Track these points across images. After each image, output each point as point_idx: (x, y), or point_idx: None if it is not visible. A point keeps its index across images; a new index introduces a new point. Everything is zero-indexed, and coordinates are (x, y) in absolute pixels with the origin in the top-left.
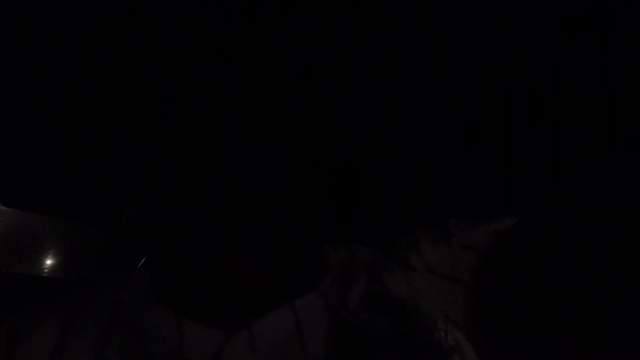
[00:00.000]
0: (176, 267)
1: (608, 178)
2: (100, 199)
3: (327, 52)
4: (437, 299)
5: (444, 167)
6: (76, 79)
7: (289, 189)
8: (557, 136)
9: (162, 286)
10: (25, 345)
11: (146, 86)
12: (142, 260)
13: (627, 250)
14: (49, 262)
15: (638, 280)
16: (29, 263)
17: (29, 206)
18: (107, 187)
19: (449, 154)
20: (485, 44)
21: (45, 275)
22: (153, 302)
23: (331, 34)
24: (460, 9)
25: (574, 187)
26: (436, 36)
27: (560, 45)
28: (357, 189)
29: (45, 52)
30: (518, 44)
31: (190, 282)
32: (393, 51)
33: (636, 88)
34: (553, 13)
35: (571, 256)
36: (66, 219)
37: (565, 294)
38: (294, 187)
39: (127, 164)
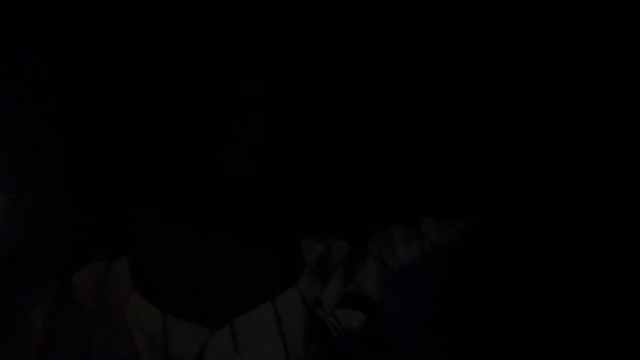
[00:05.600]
0: (159, 263)
1: (577, 182)
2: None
3: (314, 53)
4: (409, 297)
5: (418, 166)
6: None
7: (271, 186)
8: (533, 140)
9: (146, 280)
10: (13, 337)
11: (130, 83)
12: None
13: (592, 250)
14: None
15: (603, 278)
16: None
17: None
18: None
19: (424, 153)
20: (466, 45)
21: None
22: (137, 296)
23: (319, 34)
24: (451, 8)
25: (543, 189)
26: (415, 34)
27: (546, 44)
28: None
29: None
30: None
31: (173, 278)
32: (370, 54)
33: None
34: (549, 12)
35: (539, 256)
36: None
37: (532, 291)
38: (276, 184)
39: (112, 155)
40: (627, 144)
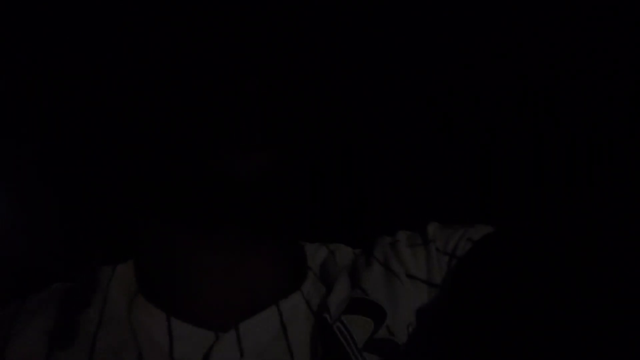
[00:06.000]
0: (164, 267)
1: (577, 182)
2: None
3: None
4: (415, 303)
5: (420, 168)
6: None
7: (273, 189)
8: (533, 140)
9: (151, 285)
10: (17, 342)
11: (130, 83)
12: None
13: (592, 250)
14: None
15: (607, 288)
16: None
17: None
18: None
19: (431, 159)
20: (462, 48)
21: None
22: (142, 301)
23: (319, 34)
24: (451, 8)
25: (543, 189)
26: (412, 37)
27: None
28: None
29: None
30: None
31: (179, 282)
32: (369, 56)
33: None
34: (549, 12)
35: (545, 265)
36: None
37: (538, 301)
38: (278, 186)
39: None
40: (627, 144)
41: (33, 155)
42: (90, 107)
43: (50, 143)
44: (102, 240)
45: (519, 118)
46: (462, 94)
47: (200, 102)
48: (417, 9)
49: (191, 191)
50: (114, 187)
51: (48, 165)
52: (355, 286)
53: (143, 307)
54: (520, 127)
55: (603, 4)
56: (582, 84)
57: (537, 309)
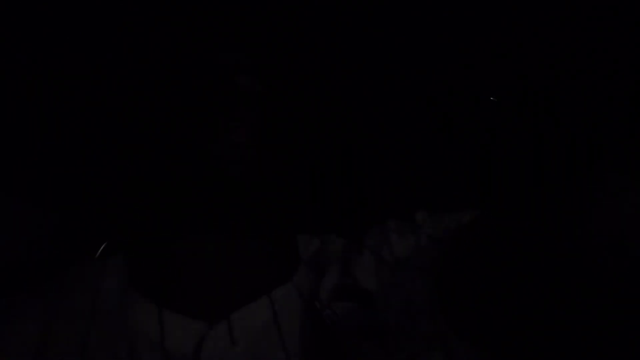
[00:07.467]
0: (155, 259)
1: (576, 181)
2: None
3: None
4: (405, 289)
5: (413, 160)
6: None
7: (266, 182)
8: (533, 140)
9: (142, 277)
10: (8, 336)
11: (129, 82)
12: (102, 246)
13: (582, 246)
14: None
15: (590, 274)
16: None
17: None
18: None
19: (422, 151)
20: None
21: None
22: (133, 293)
23: (319, 33)
24: (451, 8)
25: (541, 187)
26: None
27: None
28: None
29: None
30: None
31: (170, 274)
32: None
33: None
34: (549, 12)
35: (530, 248)
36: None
37: (524, 283)
38: (271, 180)
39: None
40: (627, 144)
41: (32, 154)
42: (90, 107)
43: (49, 143)
44: (94, 234)
45: (519, 117)
46: (462, 93)
47: (200, 102)
48: (417, 9)
49: (183, 184)
50: (109, 181)
51: (43, 161)
52: (346, 274)
53: (134, 300)
54: (520, 126)
55: (603, 4)
56: (582, 83)
57: (522, 291)
